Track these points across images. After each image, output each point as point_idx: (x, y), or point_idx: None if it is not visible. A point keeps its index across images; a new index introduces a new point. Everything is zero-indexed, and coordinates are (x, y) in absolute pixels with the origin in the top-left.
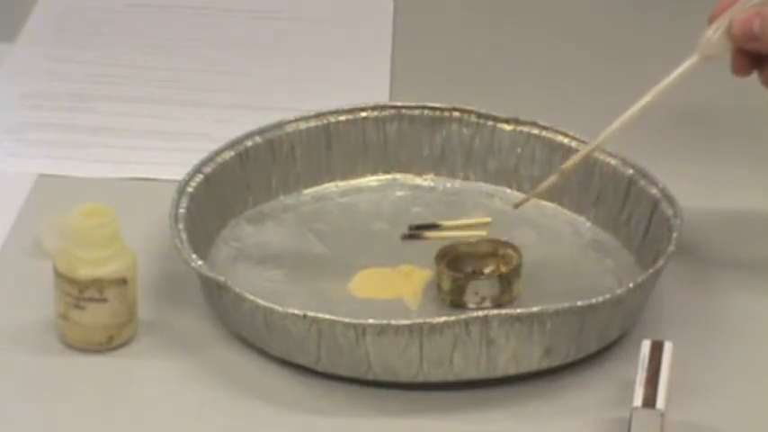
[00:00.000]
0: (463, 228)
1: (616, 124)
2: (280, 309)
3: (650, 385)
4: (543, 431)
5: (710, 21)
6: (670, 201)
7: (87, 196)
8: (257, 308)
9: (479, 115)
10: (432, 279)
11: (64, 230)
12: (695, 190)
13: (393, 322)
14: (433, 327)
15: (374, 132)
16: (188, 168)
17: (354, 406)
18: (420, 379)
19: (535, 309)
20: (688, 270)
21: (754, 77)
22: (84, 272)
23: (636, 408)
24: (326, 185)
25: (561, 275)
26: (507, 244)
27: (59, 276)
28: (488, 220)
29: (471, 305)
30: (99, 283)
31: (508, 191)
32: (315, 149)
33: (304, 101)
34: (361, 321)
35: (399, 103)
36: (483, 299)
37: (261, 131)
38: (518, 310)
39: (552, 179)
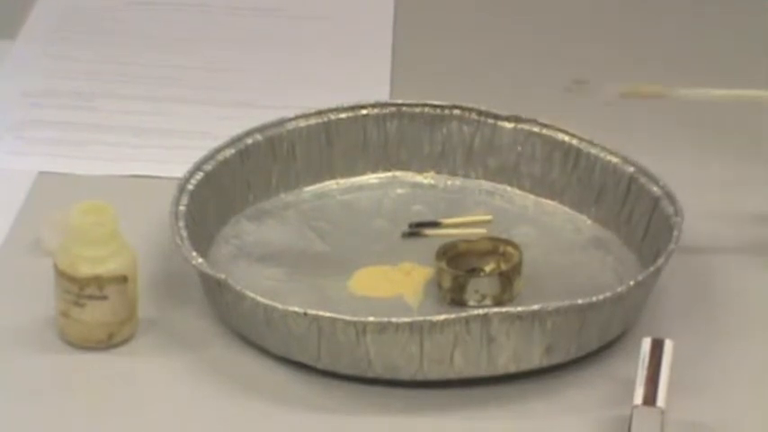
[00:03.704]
0: (464, 225)
1: (700, 91)
2: (280, 306)
3: (651, 383)
4: (544, 429)
5: None
6: (671, 199)
7: (87, 194)
8: (257, 306)
9: (480, 113)
10: (432, 277)
11: (64, 228)
12: (696, 188)
13: (393, 320)
14: (433, 325)
15: (375, 130)
16: (188, 166)
17: (355, 404)
18: (420, 377)
19: (536, 307)
20: (688, 268)
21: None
22: (85, 269)
23: (636, 406)
24: (327, 183)
25: (562, 273)
26: (508, 242)
27: (60, 274)
28: (489, 217)
29: (472, 303)
30: (99, 281)
31: (509, 189)
32: (315, 147)
33: (305, 98)
34: (362, 319)
35: (400, 101)
36: (483, 297)
37: (261, 129)
38: (518, 308)
39: (655, 88)
